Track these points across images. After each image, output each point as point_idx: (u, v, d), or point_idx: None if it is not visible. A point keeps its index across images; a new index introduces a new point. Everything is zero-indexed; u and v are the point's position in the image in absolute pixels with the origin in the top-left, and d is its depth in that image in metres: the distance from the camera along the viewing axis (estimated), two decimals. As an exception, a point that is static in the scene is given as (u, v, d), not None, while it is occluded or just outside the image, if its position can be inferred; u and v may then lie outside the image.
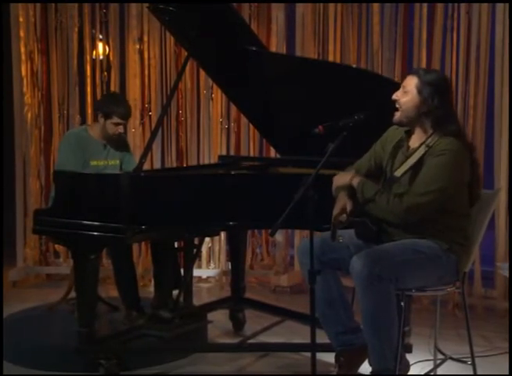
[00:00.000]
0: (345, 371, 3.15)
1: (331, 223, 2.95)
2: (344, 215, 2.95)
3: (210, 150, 5.53)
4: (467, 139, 3.05)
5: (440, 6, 4.80)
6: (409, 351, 3.36)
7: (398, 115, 2.99)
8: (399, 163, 3.01)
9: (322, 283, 2.97)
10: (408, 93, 2.96)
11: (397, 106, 2.99)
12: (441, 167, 2.86)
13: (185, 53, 4.58)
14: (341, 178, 3.07)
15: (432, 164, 2.88)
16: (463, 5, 4.72)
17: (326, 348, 3.23)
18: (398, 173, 2.96)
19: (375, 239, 3.00)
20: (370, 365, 2.98)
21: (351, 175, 3.05)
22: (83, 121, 5.46)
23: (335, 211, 2.98)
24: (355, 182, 3.00)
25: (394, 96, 3.00)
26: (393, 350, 2.90)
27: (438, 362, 3.39)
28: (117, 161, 4.12)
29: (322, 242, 3.04)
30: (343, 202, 2.99)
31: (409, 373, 3.34)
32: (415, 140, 3.01)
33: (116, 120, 3.94)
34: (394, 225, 2.96)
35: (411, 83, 2.96)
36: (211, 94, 5.50)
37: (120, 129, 3.99)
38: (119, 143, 4.10)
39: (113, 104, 3.97)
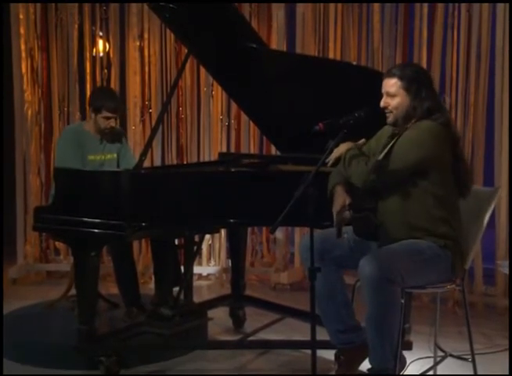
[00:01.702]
0: (345, 370, 3.15)
1: (335, 221, 2.95)
2: (347, 212, 2.95)
3: (211, 147, 5.52)
4: (454, 130, 3.04)
5: (440, 4, 4.79)
6: (409, 348, 3.37)
7: (391, 116, 3.00)
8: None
9: (324, 280, 2.97)
10: (396, 96, 2.96)
11: (387, 112, 3.00)
12: (402, 143, 2.91)
13: (185, 50, 4.58)
14: (345, 146, 3.08)
15: (400, 139, 2.93)
16: (463, 3, 4.72)
17: (326, 345, 3.23)
18: (380, 156, 2.98)
19: (374, 235, 3.00)
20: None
21: (353, 144, 3.08)
22: (83, 119, 5.46)
23: (335, 209, 2.98)
24: (351, 149, 3.04)
25: (384, 104, 2.99)
26: (393, 350, 2.90)
27: (438, 359, 3.39)
28: (114, 155, 4.13)
29: (323, 239, 3.04)
30: (342, 198, 2.99)
31: (409, 370, 3.35)
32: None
33: (105, 114, 3.95)
34: (362, 190, 2.98)
35: (394, 85, 2.96)
36: (212, 91, 5.50)
37: (112, 123, 3.99)
38: (114, 137, 4.11)
39: (102, 98, 3.98)
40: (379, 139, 3.16)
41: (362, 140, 3.18)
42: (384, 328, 2.86)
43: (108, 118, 3.96)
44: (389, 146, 2.97)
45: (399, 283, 2.82)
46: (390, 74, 2.99)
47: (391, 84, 2.97)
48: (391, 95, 2.97)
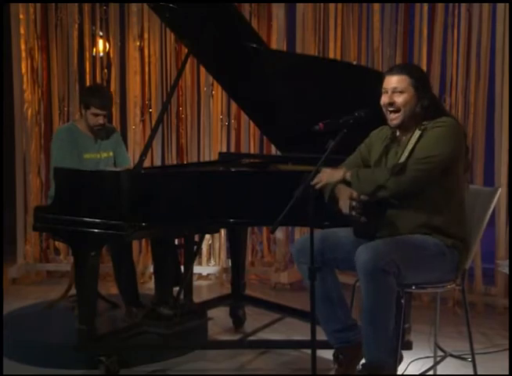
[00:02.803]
0: (345, 368, 3.15)
1: (350, 206, 2.90)
2: (362, 196, 2.92)
3: (211, 147, 5.53)
4: (461, 126, 3.07)
5: (440, 3, 4.79)
6: (409, 348, 3.37)
7: (398, 117, 2.96)
8: (396, 154, 3.00)
9: (319, 281, 2.96)
10: (404, 93, 2.94)
11: (392, 109, 2.96)
12: (438, 137, 2.89)
13: (185, 50, 4.58)
14: (334, 175, 3.01)
15: (429, 135, 2.90)
16: (463, 3, 4.72)
17: (326, 345, 3.23)
18: (402, 160, 2.95)
19: (373, 237, 2.99)
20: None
21: (343, 170, 3.03)
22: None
23: (343, 199, 2.94)
24: (348, 174, 2.99)
25: (389, 100, 2.95)
26: (387, 343, 2.90)
27: (438, 359, 3.39)
28: (110, 153, 4.14)
29: (321, 241, 3.03)
30: (349, 191, 2.95)
31: (409, 370, 3.36)
32: (408, 134, 3.01)
33: (94, 110, 3.96)
34: (397, 198, 2.92)
35: (403, 82, 2.93)
36: (212, 91, 5.50)
37: (100, 120, 4.00)
38: (107, 133, 4.11)
39: (91, 95, 4.00)
40: (370, 145, 3.16)
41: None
42: (378, 319, 2.85)
43: (96, 115, 3.97)
44: (408, 150, 2.94)
45: (395, 275, 2.80)
46: (396, 71, 2.97)
47: (400, 80, 2.94)
48: (399, 92, 2.94)
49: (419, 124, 2.96)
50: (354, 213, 2.88)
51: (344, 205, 2.93)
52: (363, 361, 2.97)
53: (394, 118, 2.97)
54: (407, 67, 3.02)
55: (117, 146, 4.19)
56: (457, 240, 2.97)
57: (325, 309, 3.11)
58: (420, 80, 2.95)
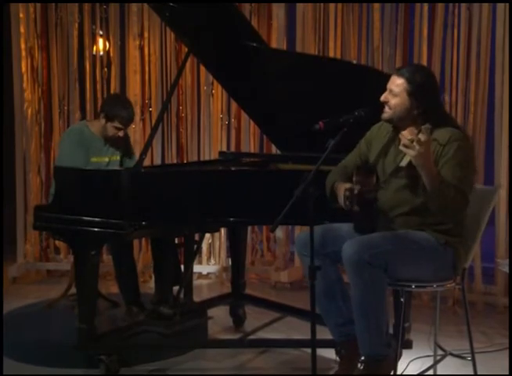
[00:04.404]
0: (346, 362, 3.15)
1: (344, 196, 2.92)
2: (354, 188, 2.93)
3: (211, 146, 5.53)
4: (464, 130, 3.07)
5: (440, 3, 4.79)
6: (409, 347, 3.37)
7: (388, 113, 2.99)
8: (395, 156, 3.01)
9: (321, 275, 2.96)
10: (397, 97, 2.94)
11: (386, 107, 2.99)
12: (464, 158, 2.86)
13: (185, 49, 4.58)
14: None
15: (455, 156, 2.86)
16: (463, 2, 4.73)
17: (326, 344, 3.24)
18: (403, 163, 2.96)
19: (371, 232, 2.99)
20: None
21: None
22: (83, 117, 5.46)
23: (341, 195, 2.96)
24: None
25: (384, 98, 2.98)
26: (381, 337, 2.91)
27: (438, 358, 3.39)
28: (118, 157, 4.12)
29: (322, 235, 3.04)
30: (345, 186, 2.97)
31: (409, 369, 3.36)
32: (406, 134, 2.99)
33: (117, 124, 3.92)
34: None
35: (400, 86, 2.93)
36: (212, 90, 5.50)
37: (121, 134, 3.96)
38: (119, 145, 4.08)
39: (119, 109, 3.91)
40: (369, 141, 3.16)
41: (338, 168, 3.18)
42: (367, 312, 2.87)
43: (118, 129, 3.94)
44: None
45: (381, 269, 2.83)
46: (400, 73, 2.96)
47: (397, 84, 2.94)
48: (393, 94, 2.95)
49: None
50: (347, 203, 2.92)
51: (340, 198, 2.97)
52: (363, 358, 2.97)
53: (384, 112, 3.00)
54: (411, 71, 2.96)
55: (128, 158, 4.16)
56: (451, 237, 2.96)
57: (327, 302, 3.12)
58: (418, 87, 2.91)
